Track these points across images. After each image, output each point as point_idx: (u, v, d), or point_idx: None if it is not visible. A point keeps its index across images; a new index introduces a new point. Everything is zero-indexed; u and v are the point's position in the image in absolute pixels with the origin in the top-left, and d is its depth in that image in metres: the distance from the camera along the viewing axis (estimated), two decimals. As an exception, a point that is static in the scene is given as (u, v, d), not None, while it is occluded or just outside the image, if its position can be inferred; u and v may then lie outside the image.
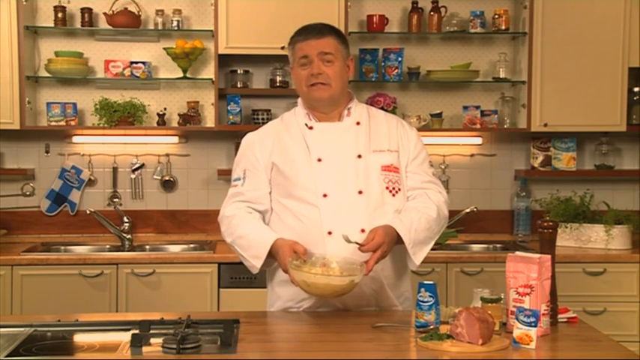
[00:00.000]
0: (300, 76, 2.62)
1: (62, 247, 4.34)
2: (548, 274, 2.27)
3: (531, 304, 2.21)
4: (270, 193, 2.65)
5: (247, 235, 2.57)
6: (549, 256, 2.31)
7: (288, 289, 2.57)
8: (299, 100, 2.72)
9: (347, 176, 2.57)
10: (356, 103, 2.71)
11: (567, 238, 4.24)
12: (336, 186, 2.56)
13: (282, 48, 4.07)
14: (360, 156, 2.60)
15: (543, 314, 2.23)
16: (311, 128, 2.64)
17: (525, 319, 2.14)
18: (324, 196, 2.55)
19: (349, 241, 2.43)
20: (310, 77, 2.59)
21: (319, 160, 2.59)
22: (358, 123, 2.66)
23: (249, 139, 2.72)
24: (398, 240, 2.51)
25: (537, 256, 2.26)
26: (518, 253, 2.32)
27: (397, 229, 2.50)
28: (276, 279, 2.65)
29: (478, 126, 4.47)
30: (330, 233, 2.52)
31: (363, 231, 2.51)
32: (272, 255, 2.51)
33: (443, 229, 2.70)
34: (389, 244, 2.47)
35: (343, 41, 2.65)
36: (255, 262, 2.54)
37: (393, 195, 2.60)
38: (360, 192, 2.56)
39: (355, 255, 2.45)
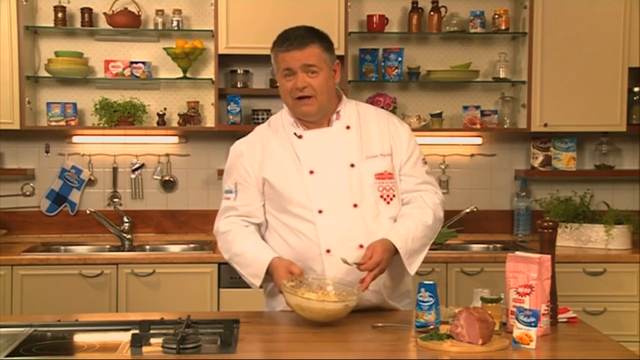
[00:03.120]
0: (286, 88, 2.54)
1: (62, 247, 4.34)
2: (548, 274, 2.27)
3: (531, 304, 2.21)
4: (263, 205, 2.61)
5: (244, 254, 2.55)
6: (549, 256, 2.31)
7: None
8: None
9: (341, 189, 2.53)
10: (345, 103, 2.64)
11: (567, 238, 4.24)
12: (331, 200, 2.52)
13: (282, 48, 4.08)
14: (352, 165, 2.55)
15: (543, 314, 2.23)
16: (300, 137, 2.58)
17: (525, 319, 2.14)
18: (320, 212, 2.51)
19: (348, 264, 2.43)
20: (295, 90, 2.51)
21: (311, 172, 2.54)
22: (348, 127, 2.60)
23: (238, 150, 2.65)
24: (395, 250, 2.49)
25: (537, 256, 2.26)
26: (518, 253, 2.32)
27: (394, 242, 2.47)
28: (270, 288, 2.65)
29: (478, 126, 4.47)
30: (328, 251, 2.50)
31: (361, 246, 2.49)
32: (269, 273, 2.49)
33: (438, 232, 2.67)
34: (387, 260, 2.45)
35: (328, 47, 2.56)
36: (254, 280, 2.54)
37: (388, 203, 2.57)
38: (355, 205, 2.52)
39: (353, 273, 2.44)
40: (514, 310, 2.21)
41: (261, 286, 2.60)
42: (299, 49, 2.49)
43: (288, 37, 2.53)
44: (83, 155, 4.50)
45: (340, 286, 2.42)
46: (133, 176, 4.53)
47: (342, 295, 2.39)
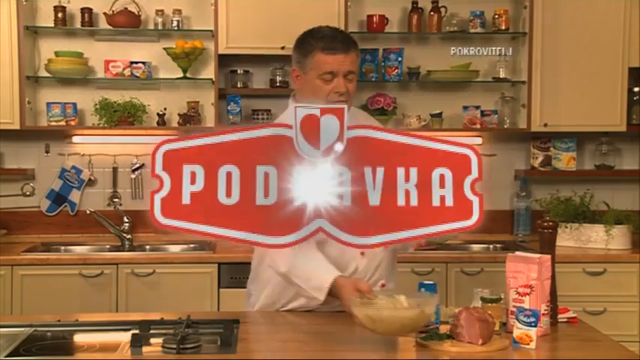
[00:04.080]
0: (324, 90, 2.47)
1: (62, 247, 4.34)
2: (548, 274, 2.27)
3: (531, 304, 2.22)
4: None
5: (304, 265, 2.43)
6: (549, 256, 2.31)
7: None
8: (292, 104, 2.65)
9: None
10: None
11: (567, 238, 4.24)
12: None
13: (282, 48, 4.08)
14: None
15: (543, 314, 2.23)
16: None
17: (525, 319, 2.14)
18: None
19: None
20: (334, 94, 2.47)
21: None
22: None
23: None
24: None
25: (537, 256, 2.27)
26: (518, 253, 2.32)
27: None
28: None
29: (478, 126, 4.47)
30: (363, 254, 2.51)
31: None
32: (332, 294, 2.38)
33: None
34: None
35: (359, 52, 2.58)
36: (317, 294, 2.40)
37: None
38: None
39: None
40: (514, 310, 2.21)
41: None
42: (344, 54, 2.47)
43: (333, 39, 2.48)
44: (83, 155, 4.50)
45: (413, 296, 2.24)
46: (133, 176, 4.53)
47: (418, 301, 2.18)
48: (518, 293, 2.26)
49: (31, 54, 4.37)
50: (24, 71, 4.18)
